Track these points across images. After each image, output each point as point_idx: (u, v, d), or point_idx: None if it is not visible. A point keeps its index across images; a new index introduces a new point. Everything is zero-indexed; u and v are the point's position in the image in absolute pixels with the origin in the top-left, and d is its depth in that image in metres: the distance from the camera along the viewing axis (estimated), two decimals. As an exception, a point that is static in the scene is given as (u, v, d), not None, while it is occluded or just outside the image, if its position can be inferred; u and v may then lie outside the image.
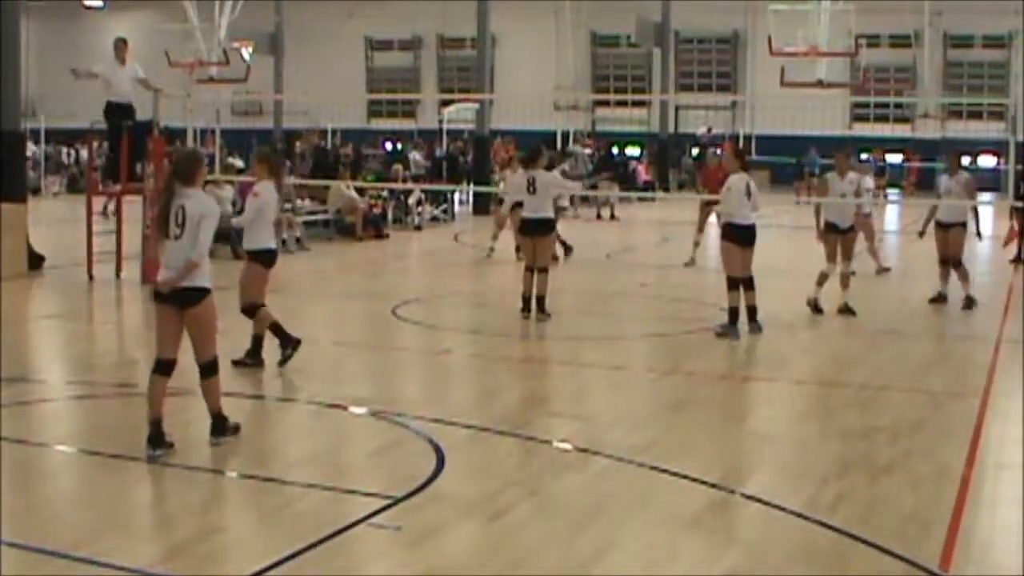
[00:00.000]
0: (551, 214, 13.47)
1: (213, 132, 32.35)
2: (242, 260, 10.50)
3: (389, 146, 39.04)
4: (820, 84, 34.74)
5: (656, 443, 8.07)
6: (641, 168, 35.94)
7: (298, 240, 19.93)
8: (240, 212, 11.59)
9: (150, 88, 16.41)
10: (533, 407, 9.39)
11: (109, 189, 17.47)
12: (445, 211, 26.84)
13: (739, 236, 12.24)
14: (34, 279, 15.85)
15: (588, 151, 32.68)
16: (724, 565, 5.84)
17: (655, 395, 9.86)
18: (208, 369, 7.72)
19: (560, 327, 12.73)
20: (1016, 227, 19.42)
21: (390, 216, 24.07)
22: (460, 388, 10.30)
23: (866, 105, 43.56)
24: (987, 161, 41.58)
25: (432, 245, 22.38)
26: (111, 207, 18.34)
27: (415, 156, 32.70)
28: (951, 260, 14.38)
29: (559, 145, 33.99)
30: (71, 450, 7.82)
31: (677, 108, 44.69)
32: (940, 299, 14.59)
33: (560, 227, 16.20)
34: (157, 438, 7.44)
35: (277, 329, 10.07)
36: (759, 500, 6.79)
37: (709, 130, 42.10)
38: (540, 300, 12.89)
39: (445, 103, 37.59)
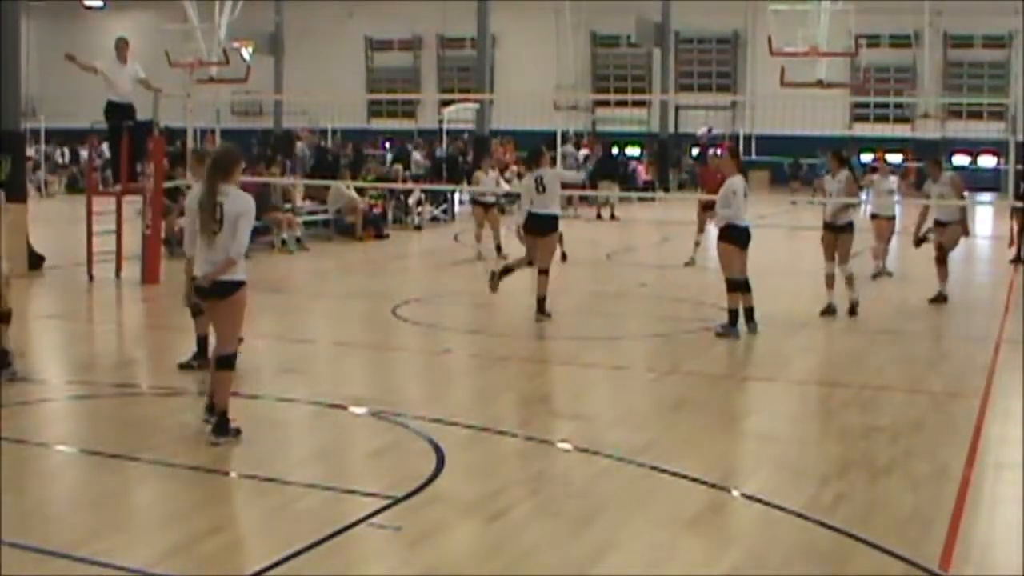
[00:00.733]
0: (559, 211, 13.49)
1: (213, 132, 32.47)
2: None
3: (388, 146, 39.08)
4: (820, 84, 34.67)
5: (656, 443, 8.06)
6: (641, 168, 35.94)
7: (298, 240, 19.93)
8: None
9: (150, 88, 16.43)
10: (533, 407, 9.38)
11: (109, 189, 17.44)
12: (445, 211, 26.82)
13: (740, 238, 12.28)
14: (34, 279, 15.84)
15: (584, 152, 32.60)
16: (724, 565, 5.83)
17: (655, 395, 9.85)
18: (224, 362, 7.82)
19: (560, 327, 12.73)
20: (1016, 227, 19.43)
21: (390, 216, 24.07)
22: (460, 388, 10.29)
23: (866, 105, 43.49)
24: (987, 161, 41.59)
25: (432, 245, 22.37)
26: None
27: (415, 156, 32.72)
28: (944, 255, 14.65)
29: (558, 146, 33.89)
30: (71, 450, 7.83)
31: (677, 108, 44.62)
32: (940, 299, 14.65)
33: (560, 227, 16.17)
34: (222, 426, 7.70)
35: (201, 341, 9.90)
36: (759, 500, 6.78)
37: (709, 130, 42.05)
38: (540, 301, 12.93)
39: (445, 103, 37.55)
